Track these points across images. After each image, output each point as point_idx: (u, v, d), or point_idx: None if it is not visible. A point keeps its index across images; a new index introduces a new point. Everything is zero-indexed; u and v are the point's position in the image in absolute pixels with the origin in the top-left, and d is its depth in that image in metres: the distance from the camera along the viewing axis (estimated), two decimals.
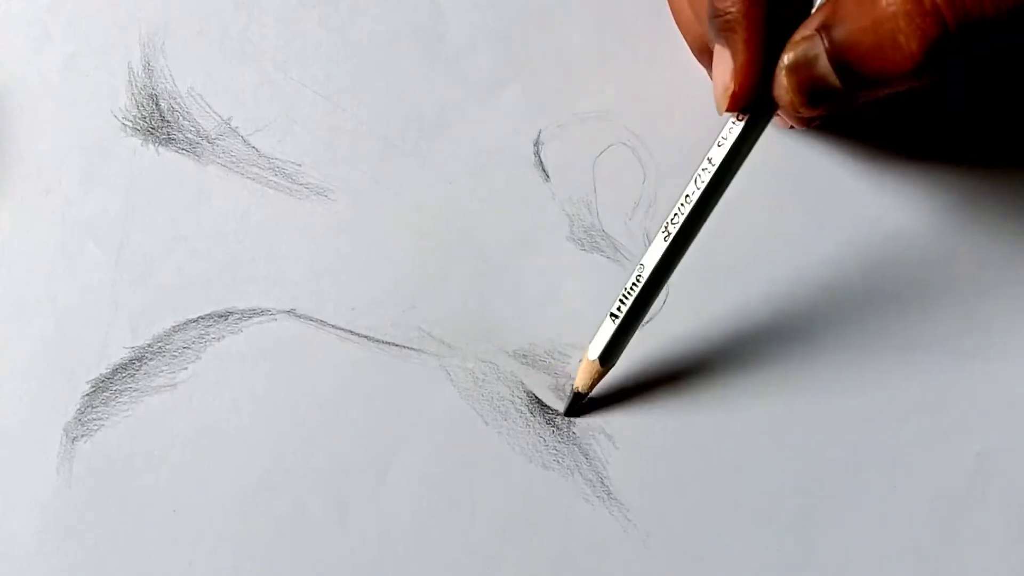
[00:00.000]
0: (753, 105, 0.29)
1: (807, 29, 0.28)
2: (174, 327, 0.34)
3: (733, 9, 0.28)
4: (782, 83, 0.28)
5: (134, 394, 0.34)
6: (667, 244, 0.30)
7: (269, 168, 0.35)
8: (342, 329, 0.34)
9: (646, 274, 0.31)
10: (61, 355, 0.34)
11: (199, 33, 0.36)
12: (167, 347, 0.34)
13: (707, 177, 0.30)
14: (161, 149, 0.36)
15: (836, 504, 0.32)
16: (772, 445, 0.33)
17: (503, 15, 0.36)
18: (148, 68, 0.36)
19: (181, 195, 0.35)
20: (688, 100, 0.35)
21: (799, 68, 0.28)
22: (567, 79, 0.36)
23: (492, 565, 0.32)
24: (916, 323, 0.33)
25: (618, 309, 0.31)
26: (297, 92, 0.36)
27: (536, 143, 0.35)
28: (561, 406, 0.33)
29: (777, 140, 0.35)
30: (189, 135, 0.36)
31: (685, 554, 0.32)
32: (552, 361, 0.34)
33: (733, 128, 0.30)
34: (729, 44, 0.28)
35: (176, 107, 0.36)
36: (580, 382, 0.32)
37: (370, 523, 0.33)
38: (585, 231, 0.35)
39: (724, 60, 0.29)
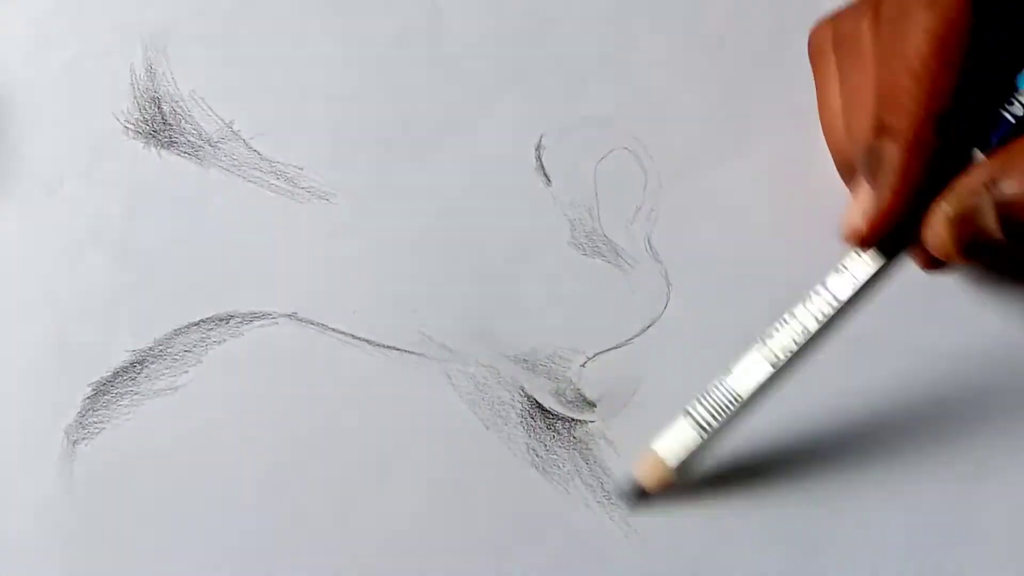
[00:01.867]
0: (888, 245, 0.28)
1: (974, 181, 0.26)
2: (175, 330, 0.34)
3: (893, 152, 0.26)
4: (939, 233, 0.27)
5: (135, 397, 0.34)
6: (772, 372, 0.29)
7: (271, 172, 0.36)
8: (343, 333, 0.34)
9: (745, 395, 0.29)
10: (62, 358, 0.34)
11: (201, 36, 0.37)
12: (168, 350, 0.34)
13: (829, 312, 0.28)
14: (163, 152, 0.36)
15: (837, 509, 0.32)
16: (772, 449, 0.33)
17: (504, 19, 0.36)
18: (150, 71, 0.36)
19: (183, 198, 0.35)
20: (690, 104, 0.35)
21: (963, 222, 0.26)
22: (569, 83, 0.36)
23: (492, 570, 0.32)
24: (916, 328, 0.33)
25: (708, 425, 0.30)
26: (299, 96, 0.36)
27: (538, 147, 0.35)
28: (563, 410, 0.33)
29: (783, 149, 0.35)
30: (191, 138, 0.36)
31: (685, 560, 0.32)
32: (553, 366, 0.34)
33: (859, 264, 0.28)
34: (875, 185, 0.27)
35: (178, 110, 0.36)
36: (652, 485, 0.31)
37: (371, 527, 0.33)
38: (587, 236, 0.35)
39: (864, 197, 0.27)
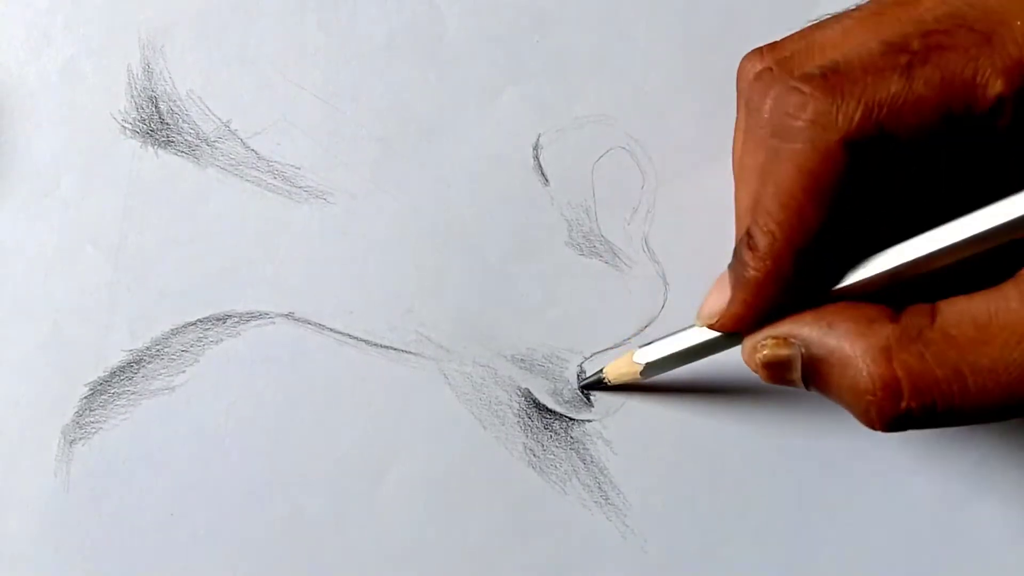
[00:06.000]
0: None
1: (792, 333, 0.27)
2: (172, 330, 0.34)
3: (751, 271, 0.27)
4: (754, 360, 0.28)
5: (132, 397, 0.34)
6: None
7: (268, 171, 0.35)
8: (340, 332, 0.34)
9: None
10: (59, 358, 0.34)
11: (198, 36, 0.36)
12: (165, 350, 0.34)
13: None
14: (160, 151, 0.36)
15: (835, 510, 0.32)
16: (771, 450, 0.33)
17: (502, 18, 0.36)
18: (148, 70, 0.36)
19: (180, 197, 0.35)
20: (687, 104, 0.35)
21: (772, 366, 0.28)
22: (566, 83, 0.36)
23: (489, 570, 0.32)
24: None
25: (693, 332, 0.31)
26: (296, 95, 0.36)
27: (535, 147, 0.35)
28: (561, 410, 0.33)
29: None
30: (188, 137, 0.36)
31: (683, 560, 0.32)
32: (550, 366, 0.34)
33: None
34: (732, 288, 0.28)
35: (175, 109, 0.36)
36: (613, 376, 0.32)
37: (367, 527, 0.33)
38: (584, 236, 0.35)
39: (722, 291, 0.29)
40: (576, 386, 0.33)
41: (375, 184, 0.35)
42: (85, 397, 0.34)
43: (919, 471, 0.33)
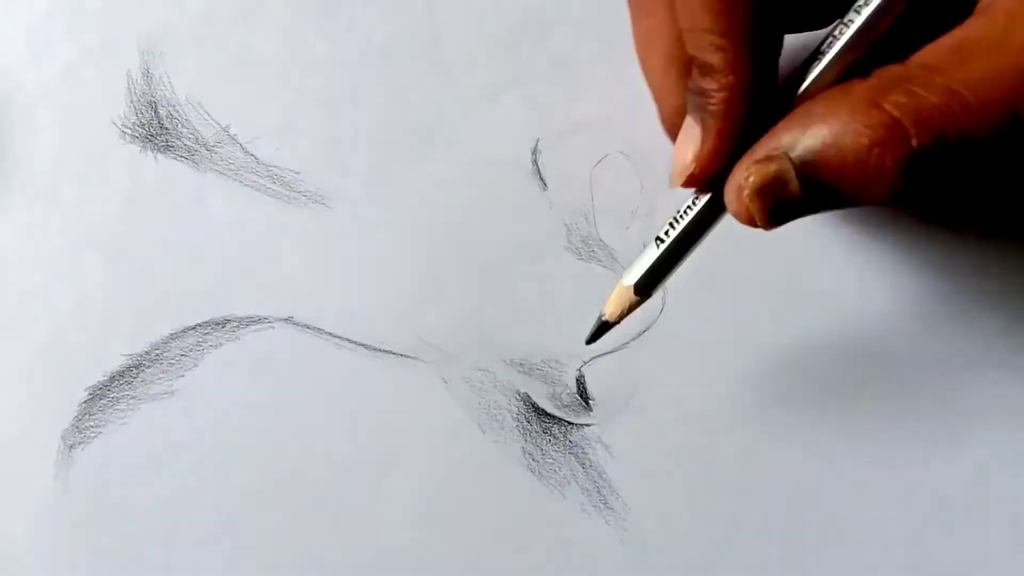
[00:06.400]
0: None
1: (771, 144, 0.25)
2: (172, 334, 0.34)
3: (714, 94, 0.26)
4: (743, 202, 0.26)
5: (132, 401, 0.34)
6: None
7: (267, 176, 0.36)
8: (339, 337, 0.34)
9: (700, 203, 0.28)
10: (59, 362, 0.34)
11: (198, 41, 0.36)
12: (165, 354, 0.34)
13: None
14: (160, 156, 0.36)
15: (836, 513, 0.32)
16: (770, 454, 0.33)
17: (501, 23, 0.36)
18: (147, 75, 0.36)
19: (179, 202, 0.35)
20: None
21: (766, 191, 0.25)
22: (565, 88, 0.36)
23: (488, 574, 0.32)
24: (916, 331, 0.33)
25: (665, 234, 0.29)
26: (295, 100, 0.36)
27: (534, 152, 0.35)
28: (559, 414, 0.33)
29: None
30: (188, 142, 0.36)
31: (682, 563, 0.32)
32: (549, 370, 0.34)
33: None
34: (701, 125, 0.27)
35: (175, 114, 0.36)
36: (611, 311, 0.30)
37: (367, 531, 0.33)
38: (583, 240, 0.35)
39: (692, 138, 0.27)
40: (575, 390, 0.33)
41: (374, 189, 0.35)
42: (85, 401, 0.34)
43: (917, 474, 0.33)
